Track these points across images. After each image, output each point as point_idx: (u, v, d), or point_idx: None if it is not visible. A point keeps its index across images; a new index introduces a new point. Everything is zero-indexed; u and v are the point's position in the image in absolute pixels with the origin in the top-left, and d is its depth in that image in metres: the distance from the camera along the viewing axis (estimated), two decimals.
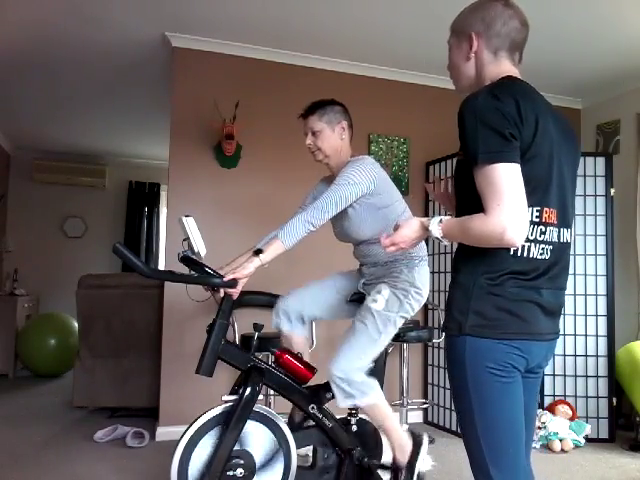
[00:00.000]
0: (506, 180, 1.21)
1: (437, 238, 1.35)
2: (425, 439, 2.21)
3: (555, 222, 1.35)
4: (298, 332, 2.34)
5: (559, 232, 1.37)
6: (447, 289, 1.31)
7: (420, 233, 1.41)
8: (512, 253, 1.30)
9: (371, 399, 2.08)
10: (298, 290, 2.38)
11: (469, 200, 1.32)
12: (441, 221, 1.33)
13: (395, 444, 2.16)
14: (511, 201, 1.20)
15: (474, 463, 1.35)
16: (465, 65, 1.45)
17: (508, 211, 1.19)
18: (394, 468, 2.18)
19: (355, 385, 2.04)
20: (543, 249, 1.33)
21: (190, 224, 2.05)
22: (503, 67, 1.41)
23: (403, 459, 2.15)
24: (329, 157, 2.28)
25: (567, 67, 4.06)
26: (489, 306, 1.30)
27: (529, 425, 1.46)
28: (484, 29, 1.40)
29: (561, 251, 1.38)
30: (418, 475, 2.14)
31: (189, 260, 2.06)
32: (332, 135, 2.25)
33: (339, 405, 2.08)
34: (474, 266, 1.33)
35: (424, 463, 2.18)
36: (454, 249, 1.44)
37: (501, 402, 1.31)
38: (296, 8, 3.28)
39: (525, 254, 1.31)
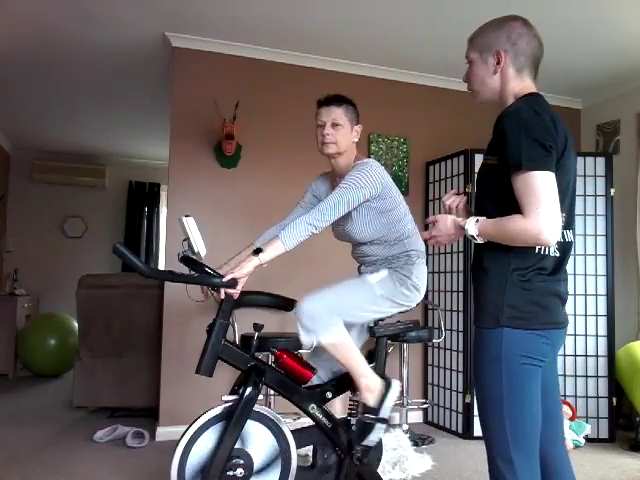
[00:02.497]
0: (544, 186, 1.34)
1: (472, 236, 1.47)
2: (396, 383, 2.21)
3: (564, 225, 1.48)
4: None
5: (564, 233, 1.51)
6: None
7: (453, 231, 1.55)
8: (537, 251, 1.44)
9: (333, 336, 2.06)
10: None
11: (493, 200, 1.47)
12: (477, 221, 1.46)
13: (362, 384, 2.14)
14: (548, 205, 1.33)
15: (494, 448, 1.45)
16: (491, 79, 1.56)
17: (545, 214, 1.32)
18: (362, 409, 2.19)
19: (318, 321, 2.03)
20: (555, 248, 1.48)
21: (190, 224, 2.04)
22: (526, 83, 1.54)
23: (372, 400, 2.16)
24: (341, 154, 2.26)
25: (567, 67, 4.06)
26: (522, 300, 1.43)
27: (556, 403, 1.59)
28: (510, 46, 1.52)
29: (567, 249, 1.53)
30: (385, 419, 2.15)
31: (189, 260, 2.06)
32: (349, 134, 2.25)
33: (301, 341, 2.06)
34: (504, 264, 1.45)
35: (391, 407, 2.18)
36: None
37: (528, 389, 1.43)
38: (296, 8, 3.28)
39: (546, 252, 1.46)
